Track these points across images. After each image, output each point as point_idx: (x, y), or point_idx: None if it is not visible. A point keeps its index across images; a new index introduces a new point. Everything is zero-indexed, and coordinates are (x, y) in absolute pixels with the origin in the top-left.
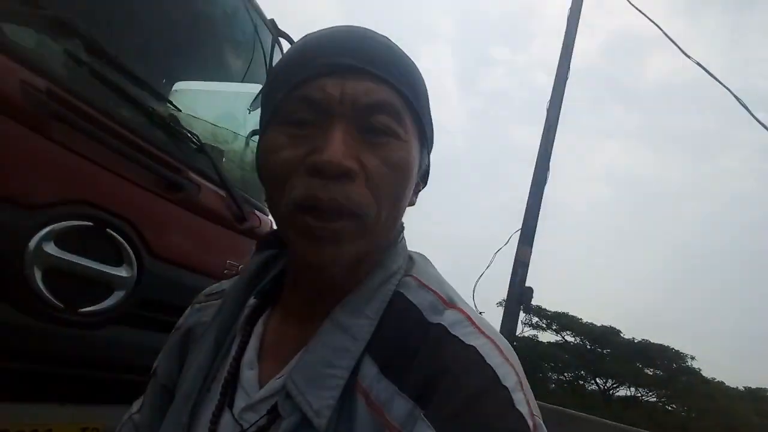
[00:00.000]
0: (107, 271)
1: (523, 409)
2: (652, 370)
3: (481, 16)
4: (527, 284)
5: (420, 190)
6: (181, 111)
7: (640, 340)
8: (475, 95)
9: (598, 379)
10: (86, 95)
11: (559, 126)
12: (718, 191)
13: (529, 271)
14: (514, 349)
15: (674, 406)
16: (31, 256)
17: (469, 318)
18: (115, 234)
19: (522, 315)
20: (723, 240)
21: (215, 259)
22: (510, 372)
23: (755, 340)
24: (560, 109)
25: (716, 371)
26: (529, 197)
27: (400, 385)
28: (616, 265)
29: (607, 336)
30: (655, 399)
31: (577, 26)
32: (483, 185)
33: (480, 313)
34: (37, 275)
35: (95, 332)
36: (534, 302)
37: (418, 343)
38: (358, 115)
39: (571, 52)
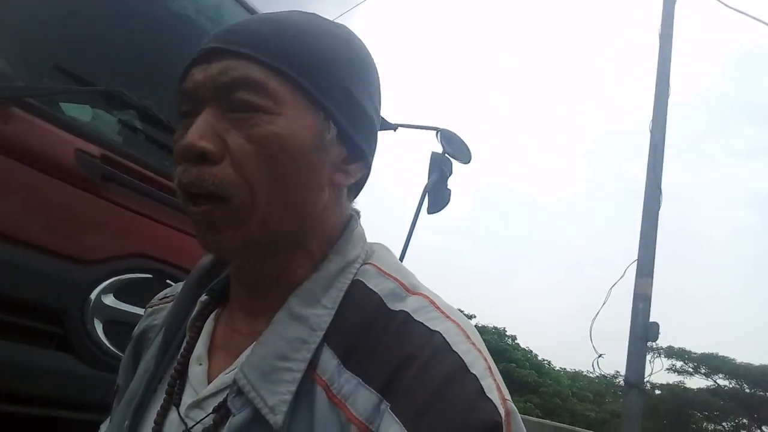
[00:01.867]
0: None
1: (493, 396)
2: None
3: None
4: (652, 320)
5: (356, 171)
6: None
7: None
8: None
9: (765, 428)
10: (137, 156)
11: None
12: None
13: (667, 310)
14: (661, 399)
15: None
16: (91, 309)
17: (432, 303)
18: (174, 284)
19: (654, 358)
20: None
21: None
22: (477, 357)
23: None
24: (665, 128)
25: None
26: (642, 224)
27: (363, 376)
28: None
29: None
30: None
31: (671, 36)
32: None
33: (600, 355)
34: (98, 327)
35: None
36: (677, 344)
37: (381, 331)
38: (221, 96)
39: (669, 65)
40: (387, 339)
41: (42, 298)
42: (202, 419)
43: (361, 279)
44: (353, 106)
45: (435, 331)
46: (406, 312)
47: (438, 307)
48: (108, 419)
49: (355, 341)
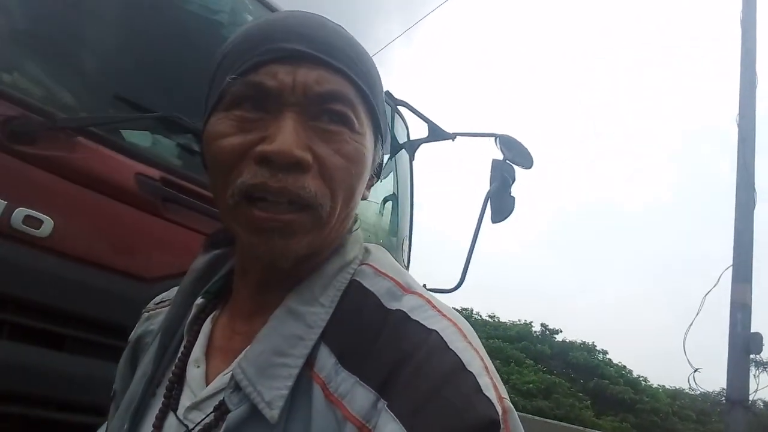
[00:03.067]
0: None
1: (490, 394)
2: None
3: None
4: (753, 330)
5: (372, 185)
6: None
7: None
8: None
9: None
10: (194, 177)
11: None
12: None
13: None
14: None
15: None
16: None
17: (429, 302)
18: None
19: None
20: None
21: None
22: (474, 356)
23: None
24: (755, 120)
25: None
26: (735, 226)
27: (360, 375)
28: None
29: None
30: None
31: (755, 21)
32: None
33: (696, 370)
34: None
35: None
36: None
37: (378, 330)
38: (310, 104)
39: (754, 51)
40: (384, 338)
41: (107, 313)
42: (201, 420)
43: (358, 279)
44: (386, 130)
45: (431, 329)
46: (403, 311)
47: (434, 306)
48: (105, 424)
49: (352, 340)
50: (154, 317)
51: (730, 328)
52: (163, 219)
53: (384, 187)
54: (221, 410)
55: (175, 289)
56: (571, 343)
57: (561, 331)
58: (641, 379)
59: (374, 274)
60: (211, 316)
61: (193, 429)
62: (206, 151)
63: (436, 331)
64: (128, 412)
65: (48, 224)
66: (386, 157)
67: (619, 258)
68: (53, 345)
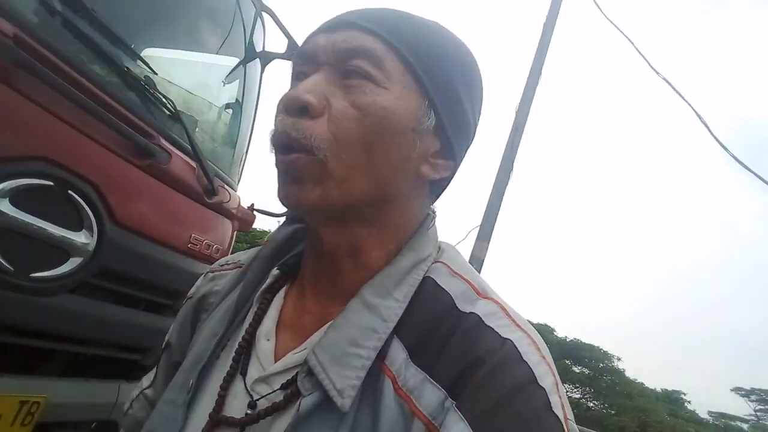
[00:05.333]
0: (65, 235)
1: (558, 412)
2: (579, 368)
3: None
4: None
5: (443, 168)
6: (156, 74)
7: (571, 339)
8: None
9: None
10: (57, 46)
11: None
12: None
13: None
14: None
15: (596, 402)
16: None
17: (503, 309)
18: (76, 196)
19: None
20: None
21: (180, 232)
22: (547, 372)
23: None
24: (528, 114)
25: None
26: (491, 195)
27: (430, 372)
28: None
29: (540, 333)
30: (579, 396)
31: (552, 33)
32: None
33: None
34: None
35: (46, 300)
36: None
37: (451, 331)
38: (337, 61)
39: (544, 58)
40: (456, 339)
41: None
42: (268, 395)
43: (432, 276)
44: (455, 103)
45: (506, 338)
46: (477, 315)
47: (509, 315)
48: (152, 372)
49: (424, 337)
50: (218, 278)
51: None
52: (11, 89)
53: (229, 92)
54: (290, 391)
55: (240, 254)
56: None
57: None
58: None
59: (449, 274)
60: (284, 288)
61: (259, 400)
62: None
63: (510, 340)
64: (196, 369)
65: None
66: (240, 64)
67: None
68: None
